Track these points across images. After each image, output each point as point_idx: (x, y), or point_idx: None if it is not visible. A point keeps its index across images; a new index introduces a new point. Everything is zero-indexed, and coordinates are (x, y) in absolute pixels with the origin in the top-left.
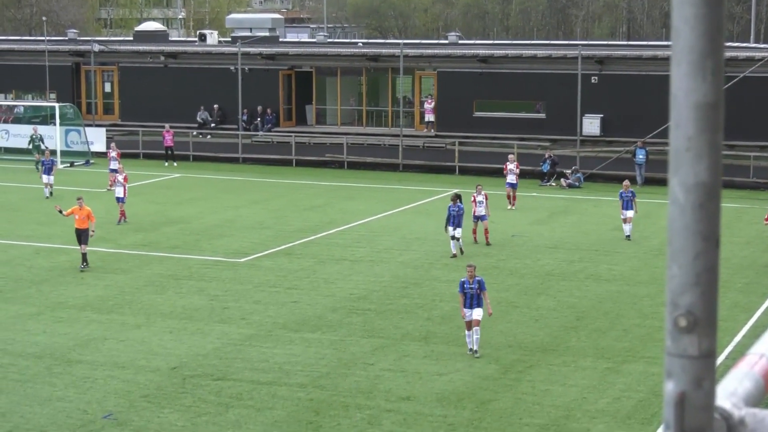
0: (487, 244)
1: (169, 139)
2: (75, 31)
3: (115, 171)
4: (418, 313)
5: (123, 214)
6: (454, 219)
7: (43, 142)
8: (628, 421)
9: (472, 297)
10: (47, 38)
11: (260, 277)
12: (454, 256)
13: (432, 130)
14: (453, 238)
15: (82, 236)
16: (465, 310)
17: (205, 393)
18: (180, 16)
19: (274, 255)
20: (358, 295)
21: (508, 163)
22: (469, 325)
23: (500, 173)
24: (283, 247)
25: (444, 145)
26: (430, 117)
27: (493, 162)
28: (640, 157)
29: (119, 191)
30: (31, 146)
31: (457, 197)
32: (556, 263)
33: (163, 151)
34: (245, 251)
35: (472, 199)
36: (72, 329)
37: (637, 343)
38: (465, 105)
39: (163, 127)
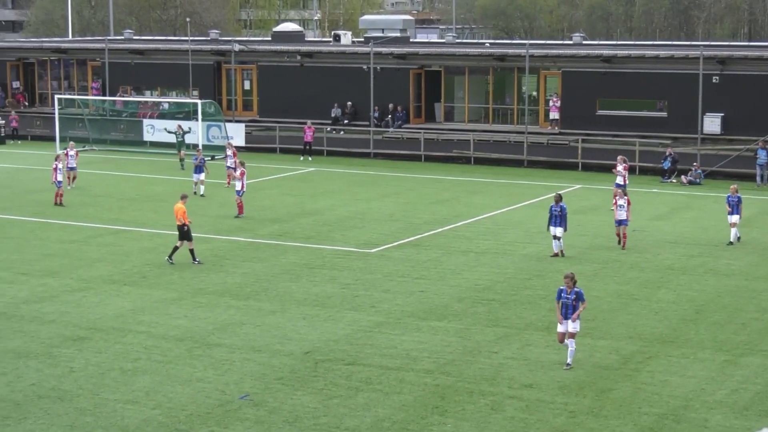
0: (623, 248)
1: (309, 135)
2: (217, 31)
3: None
4: (540, 303)
5: (240, 207)
6: (556, 219)
7: (184, 138)
8: (745, 412)
9: (568, 307)
10: (191, 38)
11: (389, 267)
12: (555, 255)
13: (556, 128)
14: (555, 237)
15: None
16: (560, 319)
17: (336, 377)
18: (316, 18)
19: (403, 246)
20: (483, 285)
21: (617, 163)
22: (562, 336)
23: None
24: (411, 238)
25: (567, 142)
26: (554, 115)
27: (615, 159)
28: (762, 157)
29: (238, 185)
30: (176, 142)
31: (559, 198)
32: (675, 257)
33: (300, 146)
34: (376, 242)
35: (614, 202)
36: (211, 314)
37: (755, 337)
38: (588, 103)
39: (303, 123)
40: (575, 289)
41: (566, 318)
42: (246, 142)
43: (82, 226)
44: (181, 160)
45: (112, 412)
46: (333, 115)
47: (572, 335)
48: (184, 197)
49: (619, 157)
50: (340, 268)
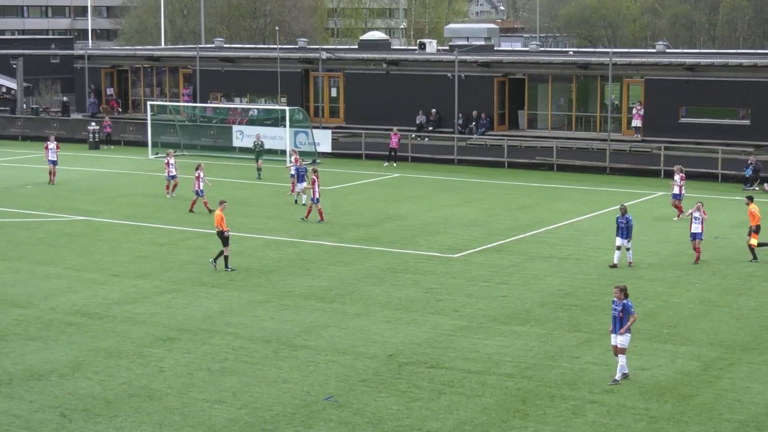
0: (695, 262)
1: (395, 141)
2: (305, 39)
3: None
4: None
5: (320, 213)
6: (622, 231)
7: (263, 148)
8: None
9: (616, 320)
10: (279, 47)
11: (472, 272)
12: (614, 266)
13: (639, 135)
14: (618, 248)
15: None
16: (610, 331)
17: (419, 379)
18: (401, 26)
19: (485, 251)
20: (565, 291)
21: (674, 174)
22: (615, 349)
23: (705, 177)
24: (494, 244)
25: (650, 150)
26: (637, 122)
27: (698, 166)
28: None
29: (317, 193)
30: (254, 152)
31: (625, 209)
32: (757, 264)
33: (385, 152)
34: (459, 247)
35: (688, 214)
36: (297, 316)
37: None
38: (671, 111)
39: (388, 130)
40: (624, 301)
41: (615, 333)
42: (332, 148)
43: (172, 229)
44: (259, 169)
45: (199, 412)
46: (418, 122)
47: (621, 350)
48: (222, 203)
49: (675, 167)
50: (424, 273)
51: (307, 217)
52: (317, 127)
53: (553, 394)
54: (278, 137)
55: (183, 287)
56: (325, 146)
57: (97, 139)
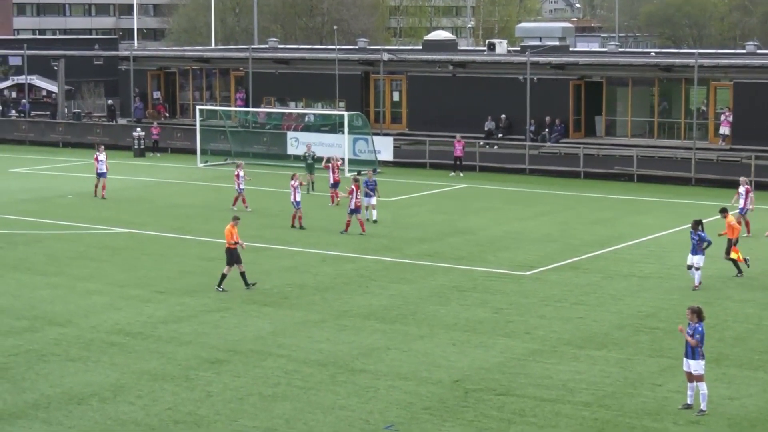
0: None
1: (459, 149)
2: (365, 40)
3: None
4: (709, 333)
5: (361, 223)
6: (695, 248)
7: (315, 160)
8: None
9: (688, 344)
10: (338, 47)
11: (545, 291)
12: (696, 288)
13: (727, 143)
14: (689, 267)
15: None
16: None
17: (488, 408)
18: (469, 26)
19: (560, 269)
20: (646, 312)
21: (740, 186)
22: (688, 376)
23: None
24: (569, 260)
25: (739, 159)
26: (725, 129)
27: None
28: None
29: (352, 203)
30: (305, 164)
31: (697, 224)
32: None
33: (451, 161)
34: (531, 264)
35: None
36: (356, 338)
37: None
38: (762, 117)
39: (454, 137)
40: (696, 324)
41: (687, 357)
42: (394, 157)
43: (222, 243)
44: (311, 183)
45: None
46: (486, 128)
47: (698, 377)
48: (235, 219)
49: (741, 179)
50: (493, 292)
51: (346, 230)
52: (378, 134)
53: (633, 425)
54: (336, 145)
55: (232, 305)
56: (387, 154)
57: (142, 146)
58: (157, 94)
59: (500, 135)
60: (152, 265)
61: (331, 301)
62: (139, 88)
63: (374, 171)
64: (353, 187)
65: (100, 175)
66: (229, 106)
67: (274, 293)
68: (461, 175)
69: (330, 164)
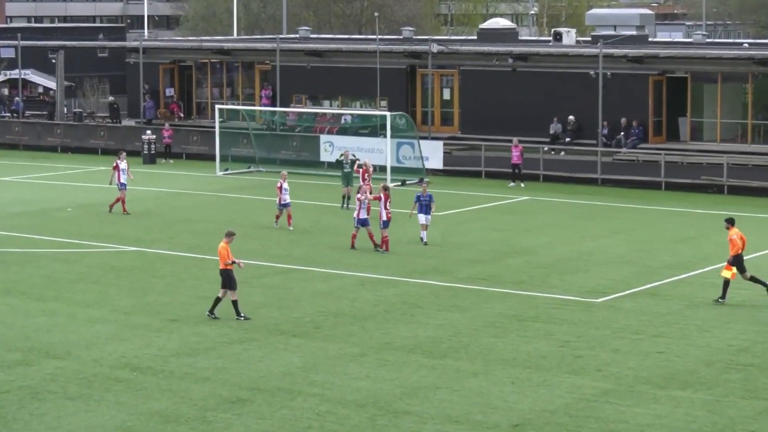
0: None
1: (516, 156)
2: (411, 28)
3: None
4: None
5: (385, 241)
6: None
7: (353, 169)
8: None
9: None
10: (379, 37)
11: (620, 321)
12: None
13: None
14: None
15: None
16: None
17: None
18: (532, 12)
19: (636, 295)
20: (738, 346)
21: None
22: None
23: None
24: (647, 286)
25: None
26: None
27: None
28: None
29: (383, 214)
30: (341, 173)
31: None
32: None
33: (509, 169)
34: (603, 289)
35: None
36: (399, 374)
37: None
38: None
39: (510, 141)
40: None
41: None
42: (444, 164)
43: (245, 263)
44: (345, 197)
45: None
46: (552, 131)
47: None
48: (229, 235)
49: None
50: (558, 322)
51: (383, 247)
52: (425, 138)
53: None
54: (377, 150)
55: (257, 336)
56: (435, 161)
57: (153, 152)
58: (170, 92)
59: (568, 139)
60: (164, 289)
61: (370, 331)
62: (150, 85)
63: (421, 181)
64: (382, 195)
65: (121, 186)
66: (254, 105)
67: (304, 322)
68: (522, 185)
69: (361, 169)
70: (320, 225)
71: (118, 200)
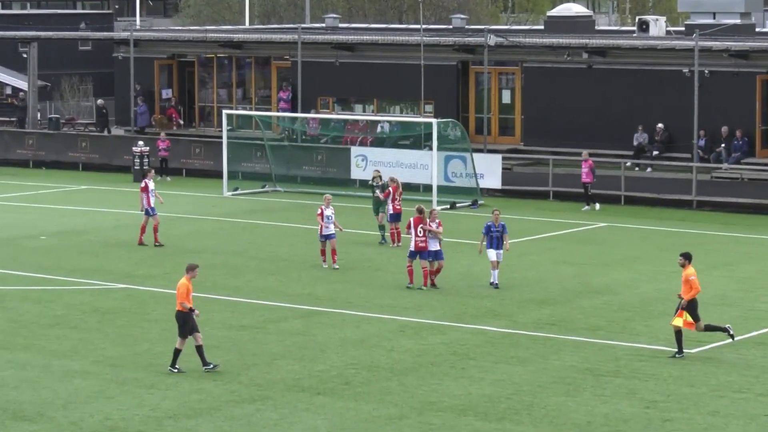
0: None
1: (585, 173)
2: (463, 16)
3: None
4: None
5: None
6: None
7: (382, 190)
8: None
9: None
10: (423, 26)
11: (719, 377)
12: None
13: None
14: None
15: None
16: None
17: None
18: None
19: (740, 344)
20: None
21: None
22: None
23: None
24: (754, 333)
25: None
26: None
27: None
28: None
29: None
30: (372, 195)
31: None
32: None
33: (582, 190)
34: (698, 338)
35: None
36: None
37: None
38: None
39: (580, 154)
40: None
41: None
42: (503, 183)
43: (258, 304)
44: (382, 227)
45: None
46: (636, 142)
47: None
48: (190, 269)
49: None
50: (643, 377)
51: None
52: (480, 151)
53: None
54: (420, 166)
55: (272, 393)
56: (493, 180)
57: (146, 167)
58: (167, 93)
59: (656, 152)
60: (159, 335)
61: (412, 388)
62: (143, 85)
63: (474, 203)
64: (390, 189)
65: (149, 212)
66: (270, 110)
67: (331, 377)
68: (597, 208)
69: (389, 190)
70: (350, 257)
71: (144, 229)
